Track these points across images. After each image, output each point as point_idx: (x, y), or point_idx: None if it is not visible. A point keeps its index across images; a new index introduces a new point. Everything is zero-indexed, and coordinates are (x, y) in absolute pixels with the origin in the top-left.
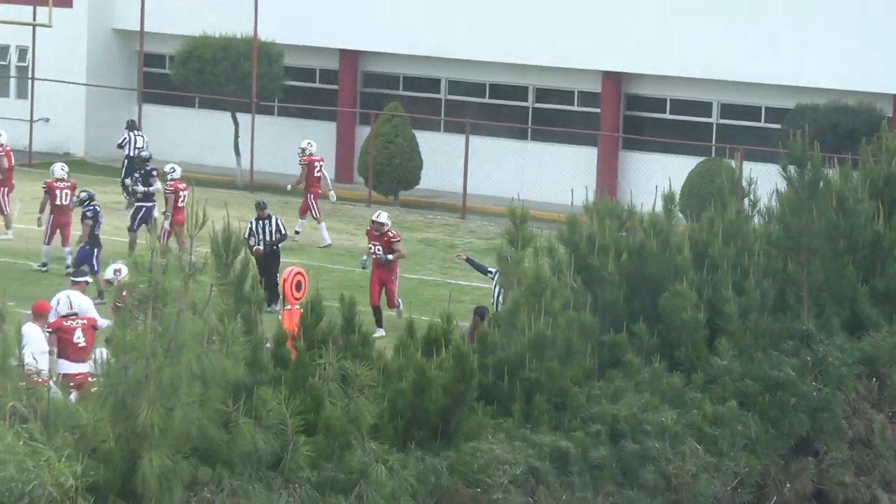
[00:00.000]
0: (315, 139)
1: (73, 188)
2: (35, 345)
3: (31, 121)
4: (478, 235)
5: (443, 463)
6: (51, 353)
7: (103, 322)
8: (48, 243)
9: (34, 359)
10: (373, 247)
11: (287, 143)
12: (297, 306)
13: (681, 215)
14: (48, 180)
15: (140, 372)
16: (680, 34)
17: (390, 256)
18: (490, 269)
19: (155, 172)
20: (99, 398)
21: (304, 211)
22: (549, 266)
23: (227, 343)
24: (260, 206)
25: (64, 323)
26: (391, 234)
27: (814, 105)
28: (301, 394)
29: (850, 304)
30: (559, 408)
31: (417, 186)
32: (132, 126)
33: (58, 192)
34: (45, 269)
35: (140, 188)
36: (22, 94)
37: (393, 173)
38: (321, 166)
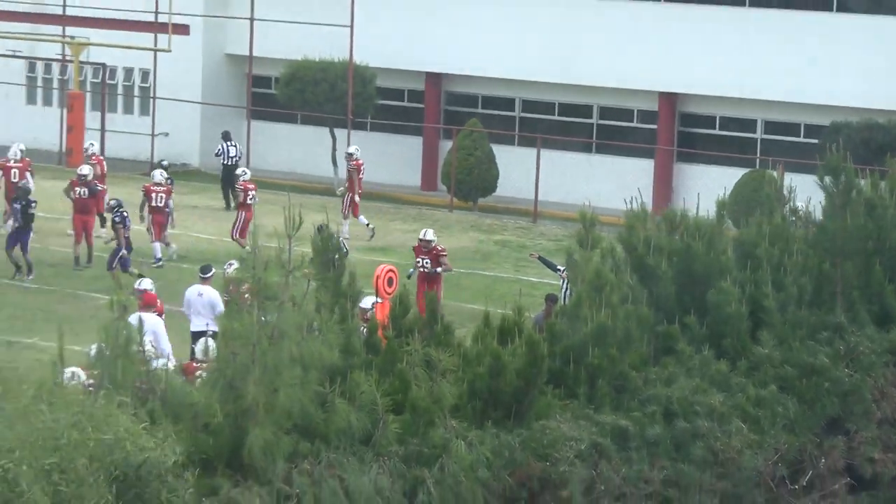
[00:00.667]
0: (402, 152)
1: (168, 192)
2: (153, 332)
3: (153, 135)
4: (547, 238)
5: (516, 439)
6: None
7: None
8: (156, 240)
9: (153, 346)
10: (420, 261)
11: (379, 156)
12: (388, 300)
13: (729, 221)
14: (146, 184)
15: (247, 357)
16: (728, 59)
17: (438, 269)
18: (559, 266)
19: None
20: (209, 381)
21: (357, 211)
22: (610, 265)
23: (323, 332)
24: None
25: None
26: (438, 249)
27: (847, 122)
28: (390, 377)
29: (879, 300)
30: (619, 390)
31: (494, 194)
32: (227, 137)
33: (153, 194)
34: (160, 264)
35: None
36: (144, 111)
37: (472, 182)
38: (363, 169)
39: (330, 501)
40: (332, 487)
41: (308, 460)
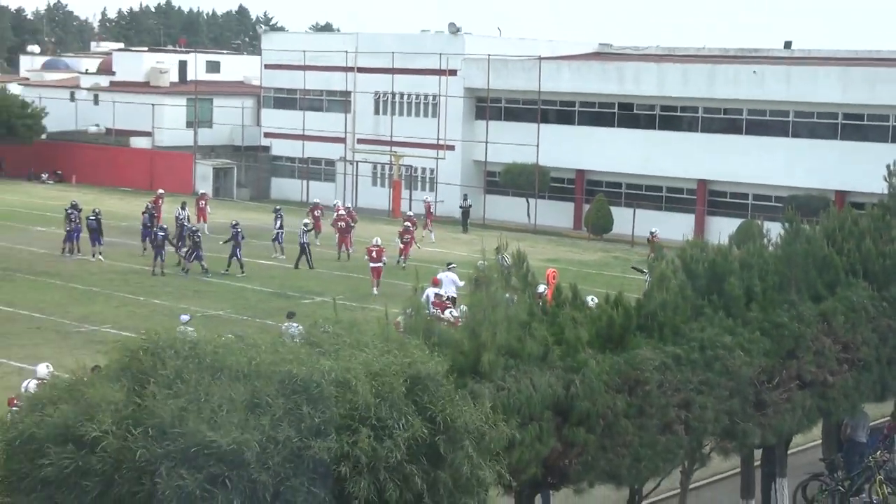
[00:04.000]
0: (564, 210)
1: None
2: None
3: (436, 202)
4: (638, 255)
5: (621, 359)
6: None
7: (459, 283)
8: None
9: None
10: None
11: (552, 212)
12: (553, 287)
13: (735, 247)
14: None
15: (481, 315)
16: (735, 161)
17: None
18: (644, 269)
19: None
20: (463, 328)
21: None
22: (671, 268)
23: (518, 303)
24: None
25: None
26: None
27: (796, 195)
28: (554, 326)
29: (814, 288)
30: (675, 334)
31: (612, 231)
32: (465, 198)
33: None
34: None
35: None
36: (430, 189)
37: (600, 225)
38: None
39: (525, 390)
40: (526, 383)
41: (514, 370)
